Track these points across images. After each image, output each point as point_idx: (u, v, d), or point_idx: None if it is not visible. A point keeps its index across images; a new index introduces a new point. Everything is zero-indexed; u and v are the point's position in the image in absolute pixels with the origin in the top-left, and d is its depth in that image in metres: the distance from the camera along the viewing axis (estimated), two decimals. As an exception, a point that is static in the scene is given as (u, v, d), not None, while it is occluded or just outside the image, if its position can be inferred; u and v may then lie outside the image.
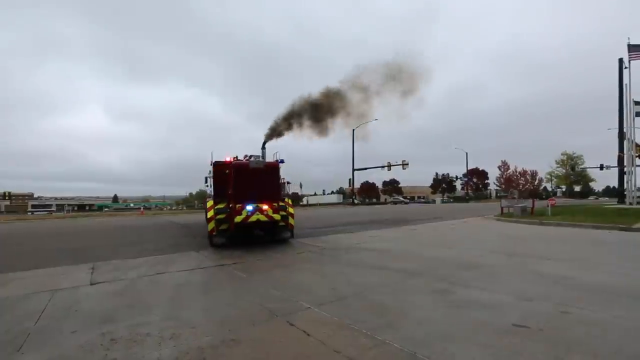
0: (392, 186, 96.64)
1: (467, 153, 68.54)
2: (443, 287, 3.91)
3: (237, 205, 7.43)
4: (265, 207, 7.63)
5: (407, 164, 44.71)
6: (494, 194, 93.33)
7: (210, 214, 7.73)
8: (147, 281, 4.53)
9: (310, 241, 8.08)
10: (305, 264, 5.37)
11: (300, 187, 43.50)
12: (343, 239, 8.35)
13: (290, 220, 8.29)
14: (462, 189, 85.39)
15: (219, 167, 8.33)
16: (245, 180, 7.80)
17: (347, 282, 4.22)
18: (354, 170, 48.68)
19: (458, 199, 76.63)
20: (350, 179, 49.81)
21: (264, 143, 12.06)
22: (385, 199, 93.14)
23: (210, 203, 7.88)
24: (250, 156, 8.95)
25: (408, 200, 69.94)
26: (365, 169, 51.20)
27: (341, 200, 57.34)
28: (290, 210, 8.36)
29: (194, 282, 4.41)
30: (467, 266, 4.90)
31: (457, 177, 75.74)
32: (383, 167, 47.75)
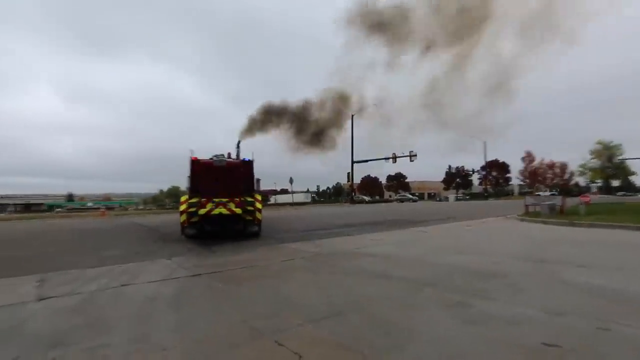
0: (397, 181, 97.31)
1: (485, 142, 68.66)
2: (458, 299, 3.93)
3: (203, 200, 10.04)
4: (227, 201, 10.15)
5: (415, 156, 44.88)
6: (516, 190, 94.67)
7: (183, 207, 10.18)
8: (109, 295, 4.48)
9: (302, 246, 8.09)
10: (296, 273, 5.36)
11: (291, 182, 43.50)
12: (340, 243, 8.38)
13: (257, 215, 10.59)
14: (480, 184, 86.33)
15: (193, 164, 10.33)
16: (210, 177, 10.33)
17: (345, 294, 4.22)
18: (353, 162, 48.79)
19: (475, 196, 77.38)
20: (348, 173, 49.89)
21: (239, 142, 14.52)
22: (390, 196, 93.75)
23: (184, 198, 10.36)
24: (229, 154, 11.60)
25: (416, 198, 70.37)
26: (367, 161, 51.37)
27: (309, 200, 57.61)
28: (258, 205, 10.67)
29: (166, 296, 4.37)
30: (486, 275, 4.93)
31: (473, 171, 76.42)
32: (387, 159, 47.92)
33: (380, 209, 34.22)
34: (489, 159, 79.06)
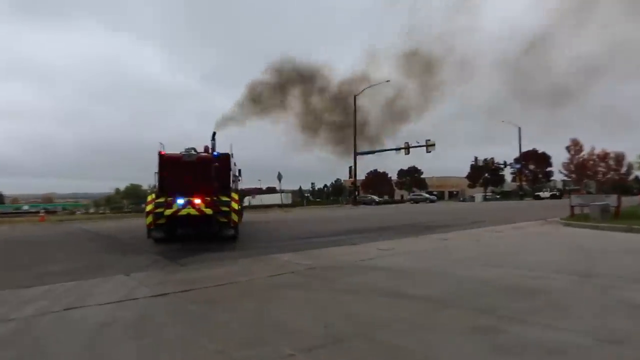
0: (411, 177, 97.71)
1: (519, 128, 68.92)
2: (487, 323, 3.95)
3: (168, 199, 10.79)
4: (197, 201, 10.96)
5: (433, 145, 45.06)
6: (559, 187, 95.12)
7: (149, 207, 11.00)
8: (50, 321, 4.46)
9: (293, 257, 8.11)
10: (287, 291, 5.36)
11: (279, 179, 43.70)
12: (340, 254, 8.41)
13: (233, 217, 11.39)
14: (514, 180, 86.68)
15: (160, 159, 11.03)
16: (178, 174, 11.11)
17: (346, 317, 4.23)
18: (356, 154, 48.89)
19: (507, 195, 77.74)
20: (350, 167, 50.01)
21: (214, 134, 14.54)
22: (402, 196, 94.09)
23: (151, 197, 11.19)
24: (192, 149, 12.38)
25: (434, 197, 70.71)
26: (373, 152, 51.58)
27: (289, 200, 57.76)
28: (234, 205, 11.44)
29: (123, 322, 4.36)
30: (522, 292, 4.95)
31: (505, 164, 76.43)
32: (398, 149, 48.12)
33: (389, 211, 34.31)
34: (525, 148, 79.14)
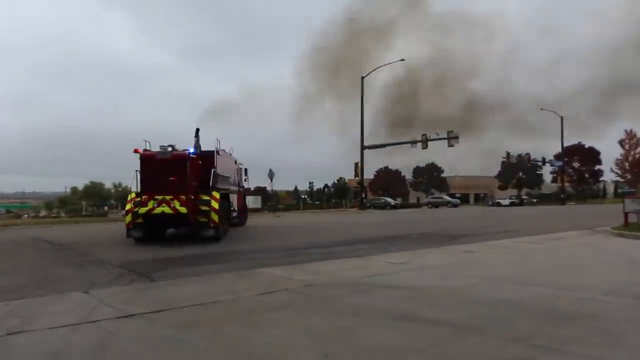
0: (429, 176, 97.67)
1: (562, 118, 68.78)
2: (519, 353, 3.95)
3: (144, 197, 13.32)
4: (170, 198, 13.42)
5: (457, 138, 45.00)
6: (610, 190, 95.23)
7: (128, 206, 13.99)
8: (-8, 346, 4.45)
9: (286, 272, 8.10)
10: (279, 313, 5.36)
11: (271, 178, 44.01)
12: (343, 269, 8.41)
13: (213, 216, 13.90)
14: (554, 180, 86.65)
15: (140, 157, 13.55)
16: (154, 171, 13.61)
17: (351, 346, 4.22)
18: (363, 149, 48.86)
19: (546, 198, 77.69)
20: (356, 164, 49.94)
21: (197, 130, 16.53)
22: (418, 199, 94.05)
23: (131, 196, 14.08)
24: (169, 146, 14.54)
25: (457, 201, 70.81)
26: (384, 145, 51.52)
27: (258, 204, 58.17)
28: (214, 204, 14.02)
29: (80, 350, 4.35)
30: (562, 317, 4.95)
31: (544, 161, 76.28)
32: (414, 142, 48.11)
33: (403, 216, 34.31)
34: (569, 143, 78.85)
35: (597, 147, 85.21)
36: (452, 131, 45.06)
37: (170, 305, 5.82)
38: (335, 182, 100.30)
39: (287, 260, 9.64)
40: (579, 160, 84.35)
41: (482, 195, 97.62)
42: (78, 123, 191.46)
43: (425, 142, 46.78)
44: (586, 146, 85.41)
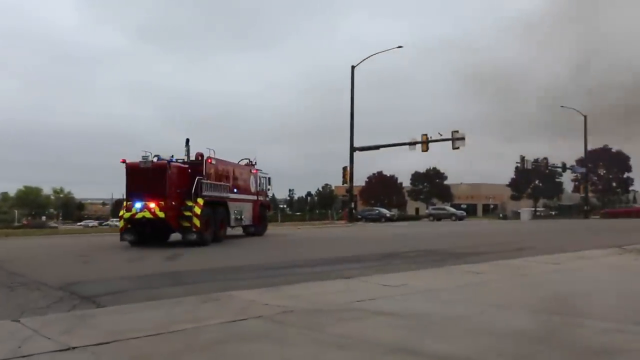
0: (430, 183, 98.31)
1: (585, 117, 69.79)
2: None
3: (128, 203, 18.36)
4: (151, 204, 18.02)
5: (463, 139, 45.39)
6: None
7: (121, 212, 19.14)
8: None
9: (262, 295, 8.06)
10: (250, 345, 5.32)
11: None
12: (329, 292, 8.39)
13: (195, 221, 18.68)
14: (576, 189, 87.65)
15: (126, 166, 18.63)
16: (138, 179, 18.58)
17: (340, 385, 4.21)
18: (352, 150, 49.00)
19: (566, 210, 78.53)
20: (344, 168, 50.06)
21: (188, 140, 22.25)
22: (417, 210, 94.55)
23: (124, 203, 19.05)
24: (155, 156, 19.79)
25: (463, 212, 71.40)
26: (377, 147, 51.73)
27: None
28: (197, 210, 18.81)
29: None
30: (586, 351, 4.98)
31: (564, 167, 77.02)
32: (412, 144, 48.40)
33: (400, 230, 34.43)
34: (593, 146, 79.81)
35: (626, 150, 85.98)
36: (457, 131, 45.40)
37: (119, 335, 5.73)
38: (320, 189, 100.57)
39: (262, 282, 9.61)
40: (605, 167, 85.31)
41: (491, 206, 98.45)
42: (11, 115, 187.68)
43: (425, 143, 47.06)
44: (613, 150, 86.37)
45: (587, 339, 5.41)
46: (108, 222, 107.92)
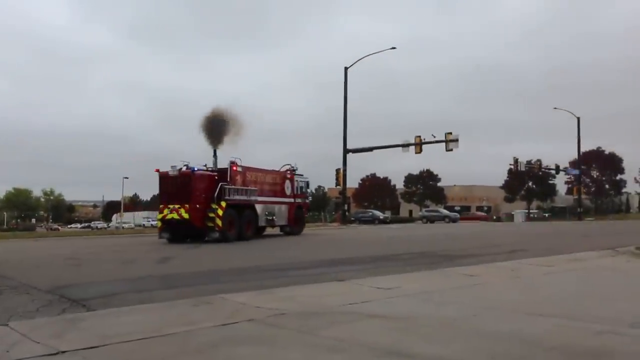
0: (424, 185, 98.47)
1: (578, 119, 70.19)
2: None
3: (161, 206, 23.81)
4: (178, 207, 22.54)
5: (457, 141, 45.56)
6: (635, 203, 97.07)
7: (158, 215, 24.85)
8: None
9: (254, 298, 8.06)
10: (242, 348, 5.31)
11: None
12: (321, 295, 8.39)
13: (217, 222, 22.66)
14: (569, 191, 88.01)
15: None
16: (167, 186, 23.66)
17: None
18: (345, 152, 49.04)
19: (560, 213, 78.87)
20: (338, 171, 50.08)
21: (215, 151, 27.85)
22: (411, 212, 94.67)
23: (159, 206, 24.46)
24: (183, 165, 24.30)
25: (457, 215, 71.49)
26: (370, 149, 51.86)
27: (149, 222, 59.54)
28: (219, 212, 22.67)
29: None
30: (579, 354, 4.99)
31: (557, 169, 77.35)
32: (406, 145, 48.49)
33: (393, 232, 34.44)
34: (586, 147, 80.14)
35: (619, 152, 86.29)
36: (450, 133, 45.51)
37: (110, 339, 5.71)
38: (313, 191, 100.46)
39: (254, 284, 9.58)
40: (598, 169, 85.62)
41: (485, 208, 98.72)
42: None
43: (419, 145, 47.14)
44: (606, 152, 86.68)
45: (580, 341, 5.42)
46: (90, 224, 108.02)
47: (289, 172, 31.09)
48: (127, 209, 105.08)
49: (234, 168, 25.23)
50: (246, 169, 26.49)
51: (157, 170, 24.14)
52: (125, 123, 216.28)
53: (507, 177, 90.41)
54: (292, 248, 21.05)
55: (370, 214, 65.37)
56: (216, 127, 28.94)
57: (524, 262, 13.17)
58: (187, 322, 6.55)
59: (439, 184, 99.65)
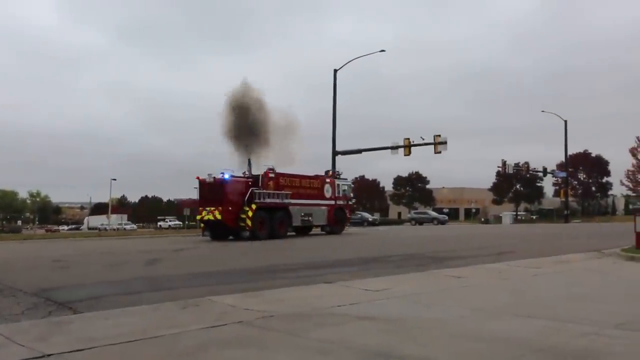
0: (412, 187, 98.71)
1: (565, 122, 70.63)
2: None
3: (200, 208, 28.81)
4: (213, 209, 27.45)
5: (445, 143, 45.73)
6: (621, 205, 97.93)
7: (198, 216, 31.12)
8: None
9: (242, 300, 8.05)
10: (230, 351, 5.30)
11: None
12: (309, 297, 8.40)
13: (247, 222, 27.07)
14: (557, 194, 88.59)
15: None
16: (205, 190, 28.46)
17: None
18: (335, 154, 49.07)
19: (547, 215, 79.33)
20: (327, 172, 50.01)
21: (249, 160, 31.72)
22: (400, 214, 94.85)
23: (199, 208, 29.35)
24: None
25: (445, 217, 71.73)
26: (359, 151, 51.83)
27: (131, 225, 59.19)
28: (250, 213, 27.09)
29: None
30: (565, 355, 5.02)
31: (545, 171, 77.78)
32: (395, 148, 48.53)
33: (382, 234, 34.47)
34: (574, 150, 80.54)
35: (606, 156, 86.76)
36: (439, 135, 45.62)
37: (96, 342, 5.67)
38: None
39: (243, 287, 9.56)
40: (585, 171, 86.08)
41: (473, 210, 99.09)
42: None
43: (408, 147, 47.23)
44: (593, 154, 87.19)
45: (567, 342, 5.46)
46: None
47: (328, 177, 34.93)
48: (114, 211, 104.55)
49: (267, 174, 29.16)
50: (280, 175, 30.23)
51: (198, 178, 28.50)
52: (113, 124, 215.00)
53: (496, 179, 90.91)
54: (267, 252, 21.01)
55: (360, 216, 65.33)
56: (242, 118, 32.75)
57: (511, 264, 13.24)
58: (174, 324, 6.52)
59: (427, 186, 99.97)
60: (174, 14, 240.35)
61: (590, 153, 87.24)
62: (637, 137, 79.31)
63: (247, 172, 31.01)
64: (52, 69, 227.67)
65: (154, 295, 8.99)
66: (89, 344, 5.60)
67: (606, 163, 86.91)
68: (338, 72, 48.66)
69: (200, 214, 28.26)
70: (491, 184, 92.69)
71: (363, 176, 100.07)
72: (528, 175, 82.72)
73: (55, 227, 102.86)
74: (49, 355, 5.22)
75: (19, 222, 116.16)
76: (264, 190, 28.27)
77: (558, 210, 78.32)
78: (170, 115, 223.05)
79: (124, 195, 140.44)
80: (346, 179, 36.19)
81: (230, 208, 27.02)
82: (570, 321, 6.47)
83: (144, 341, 5.74)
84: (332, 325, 6.35)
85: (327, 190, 33.52)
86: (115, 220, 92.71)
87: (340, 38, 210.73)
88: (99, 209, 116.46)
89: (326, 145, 49.63)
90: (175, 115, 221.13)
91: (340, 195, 34.74)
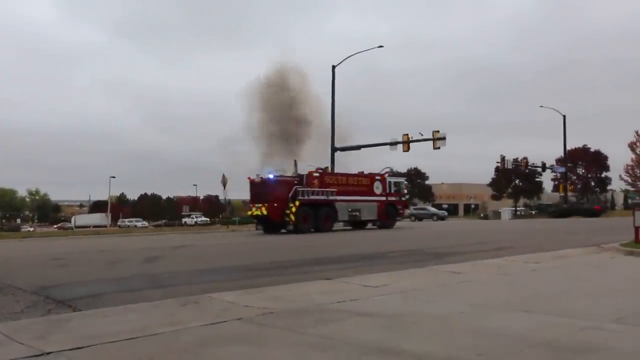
0: (411, 182, 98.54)
1: (564, 117, 70.61)
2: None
3: (250, 205, 33.84)
4: (260, 205, 31.91)
5: (444, 139, 45.70)
6: (620, 200, 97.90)
7: (248, 212, 36.18)
8: None
9: (241, 297, 8.04)
10: (231, 347, 5.30)
11: (224, 184, 44.78)
12: (309, 293, 8.40)
13: (291, 217, 31.15)
14: (556, 189, 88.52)
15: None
16: (254, 189, 33.08)
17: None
18: (333, 151, 49.04)
19: (546, 210, 79.24)
20: (326, 169, 49.97)
21: (295, 161, 36.26)
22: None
23: (250, 205, 34.61)
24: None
25: (445, 212, 71.73)
26: (358, 147, 51.73)
27: (105, 222, 58.94)
28: (293, 209, 30.96)
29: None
30: (565, 350, 5.02)
31: (544, 167, 77.70)
32: (393, 144, 48.55)
33: (381, 231, 34.47)
34: (572, 145, 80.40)
35: (605, 150, 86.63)
36: (437, 131, 45.60)
37: (96, 340, 5.67)
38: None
39: (242, 283, 9.57)
40: (585, 167, 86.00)
41: (472, 205, 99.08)
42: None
43: (407, 143, 47.20)
44: (592, 149, 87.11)
45: (566, 337, 5.46)
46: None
47: (378, 174, 37.71)
48: (113, 209, 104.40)
49: (311, 174, 33.04)
50: (325, 174, 34.57)
51: (249, 178, 32.80)
52: (111, 121, 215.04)
53: (495, 174, 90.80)
54: (267, 248, 20.99)
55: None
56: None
57: (510, 259, 13.25)
58: (174, 321, 6.52)
59: (426, 182, 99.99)
60: (173, 10, 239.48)
61: (589, 148, 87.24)
62: (636, 132, 79.21)
63: (294, 173, 34.50)
64: (51, 65, 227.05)
65: (154, 292, 8.95)
66: (88, 341, 5.60)
67: (605, 158, 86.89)
68: (336, 68, 48.65)
69: (251, 210, 32.58)
70: (490, 180, 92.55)
71: (362, 172, 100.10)
72: (527, 171, 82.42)
73: (69, 225, 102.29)
74: (48, 353, 5.21)
75: (18, 221, 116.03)
76: (308, 188, 31.68)
77: (557, 205, 78.26)
78: (168, 112, 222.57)
79: (123, 193, 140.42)
80: (397, 176, 40.29)
81: (275, 204, 30.53)
82: (570, 316, 6.48)
83: (144, 338, 5.74)
84: (332, 322, 6.35)
85: (377, 187, 36.49)
86: (101, 219, 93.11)
87: (339, 34, 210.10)
88: (98, 206, 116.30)
89: (320, 141, 49.56)
90: (173, 111, 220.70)
91: (392, 191, 37.46)
